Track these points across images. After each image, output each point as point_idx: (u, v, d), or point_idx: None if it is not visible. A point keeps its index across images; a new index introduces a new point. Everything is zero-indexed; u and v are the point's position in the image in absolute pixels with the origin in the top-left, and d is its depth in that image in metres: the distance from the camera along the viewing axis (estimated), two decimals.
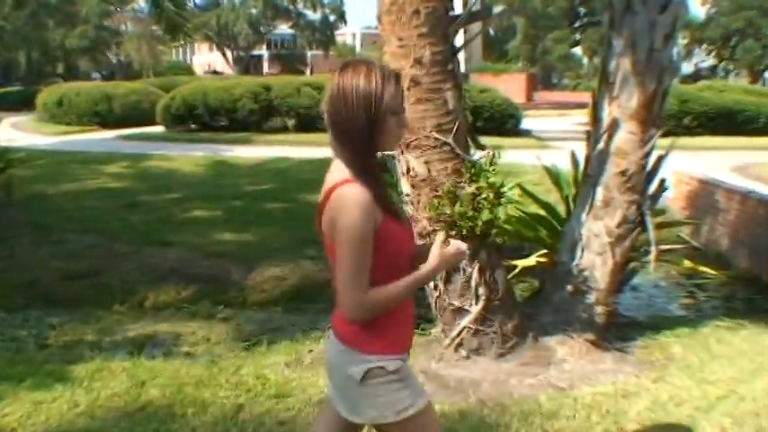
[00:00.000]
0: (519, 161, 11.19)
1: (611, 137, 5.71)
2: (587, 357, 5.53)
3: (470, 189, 4.93)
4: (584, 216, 5.80)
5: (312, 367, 5.35)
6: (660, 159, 6.01)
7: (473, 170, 5.00)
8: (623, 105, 5.66)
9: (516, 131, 24.64)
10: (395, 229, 2.50)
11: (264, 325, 7.34)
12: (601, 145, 5.77)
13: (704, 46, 69.25)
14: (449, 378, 5.16)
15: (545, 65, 56.03)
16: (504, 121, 24.27)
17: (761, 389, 5.07)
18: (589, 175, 5.89)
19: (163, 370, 5.33)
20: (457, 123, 5.02)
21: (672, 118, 24.89)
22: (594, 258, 5.73)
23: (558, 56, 53.55)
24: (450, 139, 4.97)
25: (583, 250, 5.77)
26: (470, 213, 4.89)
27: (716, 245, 10.12)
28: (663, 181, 6.14)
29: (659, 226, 6.32)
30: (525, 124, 25.81)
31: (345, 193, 2.38)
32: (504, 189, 5.13)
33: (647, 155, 5.78)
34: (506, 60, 49.24)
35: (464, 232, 4.91)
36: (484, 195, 4.92)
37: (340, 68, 2.44)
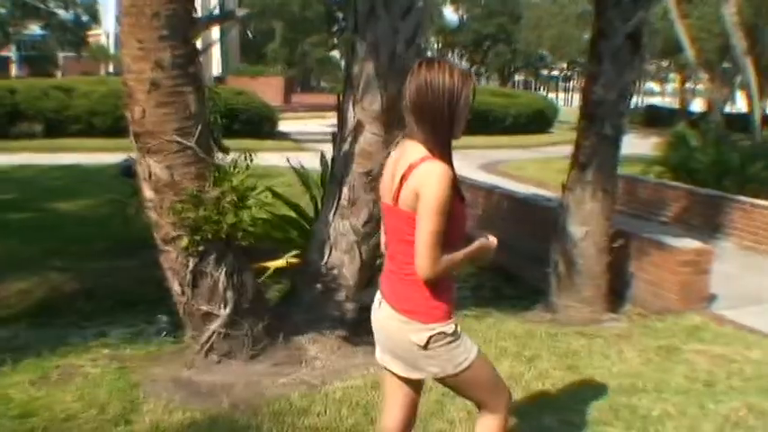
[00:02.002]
0: (274, 164, 11.23)
1: (355, 138, 5.84)
2: (339, 353, 5.64)
3: (214, 193, 4.88)
4: (331, 216, 5.91)
5: (59, 384, 5.10)
6: None
7: (217, 174, 4.96)
8: (367, 108, 5.80)
9: (273, 134, 24.74)
10: (459, 207, 2.88)
11: (9, 343, 6.90)
12: (346, 146, 5.89)
13: (457, 50, 72.21)
14: (201, 384, 5.09)
15: (304, 68, 56.39)
16: (260, 124, 24.33)
17: (504, 373, 5.33)
18: (335, 176, 6.00)
19: None
20: (199, 127, 4.93)
21: None
22: (343, 256, 5.86)
23: (317, 59, 54.07)
24: (192, 143, 4.87)
25: (331, 249, 5.88)
26: (215, 217, 4.85)
27: None
28: None
29: None
30: (283, 127, 25.91)
31: (432, 168, 2.76)
32: (250, 192, 5.12)
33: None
34: (265, 63, 49.08)
35: (209, 236, 4.87)
36: (228, 199, 4.89)
37: (425, 64, 2.84)
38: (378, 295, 3.10)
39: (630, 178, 13.84)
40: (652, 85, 62.72)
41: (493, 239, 3.07)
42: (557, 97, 64.29)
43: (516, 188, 13.23)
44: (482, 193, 10.36)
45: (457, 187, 2.83)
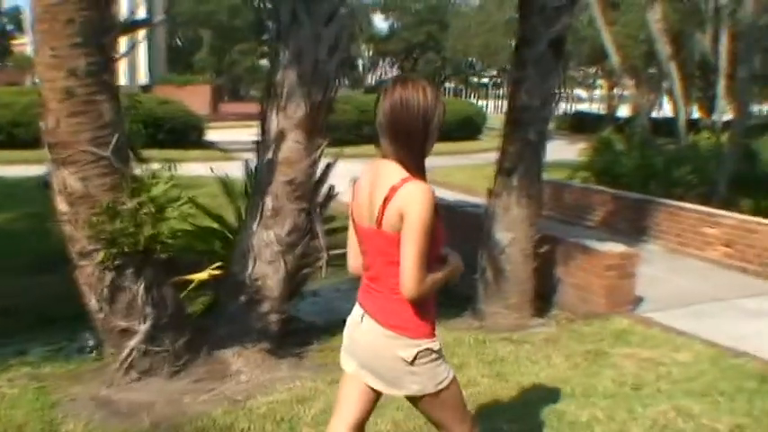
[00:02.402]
0: (201, 174, 11.06)
1: (278, 147, 5.75)
2: (263, 367, 5.53)
3: (131, 204, 4.74)
4: (254, 226, 5.80)
5: None
6: (328, 167, 6.16)
7: (134, 185, 4.82)
8: (290, 116, 5.72)
9: (200, 144, 24.34)
10: (438, 227, 2.88)
11: None
12: (269, 155, 5.80)
13: (388, 59, 72.47)
14: (121, 403, 4.94)
15: (232, 76, 55.92)
16: (186, 134, 23.91)
17: None
18: (259, 185, 5.90)
19: None
20: (116, 136, 4.78)
21: (352, 128, 25.75)
22: (266, 267, 5.76)
23: (246, 68, 53.64)
24: (107, 153, 4.72)
25: (255, 260, 5.77)
26: (132, 230, 4.71)
27: None
28: (331, 188, 6.29)
29: (331, 231, 6.47)
30: (210, 136, 25.55)
31: (415, 189, 2.76)
32: (172, 203, 5.00)
33: (315, 163, 5.90)
34: (193, 72, 48.48)
35: (126, 249, 4.73)
36: (145, 210, 4.76)
37: (399, 82, 2.85)
38: (358, 310, 3.07)
39: (557, 183, 13.97)
40: (580, 92, 63.59)
41: (459, 258, 3.09)
42: (487, 104, 64.81)
43: (444, 195, 13.24)
44: None
45: (437, 206, 2.83)
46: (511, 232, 7.17)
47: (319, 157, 5.88)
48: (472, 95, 73.35)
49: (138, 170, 5.09)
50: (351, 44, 63.56)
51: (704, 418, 4.93)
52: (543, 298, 7.68)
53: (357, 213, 3.01)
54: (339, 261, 6.97)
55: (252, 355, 5.58)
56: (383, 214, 2.81)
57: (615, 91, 47.38)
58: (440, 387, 2.98)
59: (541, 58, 6.96)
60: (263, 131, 5.93)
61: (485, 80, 76.29)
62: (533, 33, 6.97)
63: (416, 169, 2.82)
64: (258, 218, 5.78)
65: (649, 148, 14.98)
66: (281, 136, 5.74)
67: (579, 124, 43.05)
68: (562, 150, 19.71)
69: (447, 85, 71.52)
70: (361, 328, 3.03)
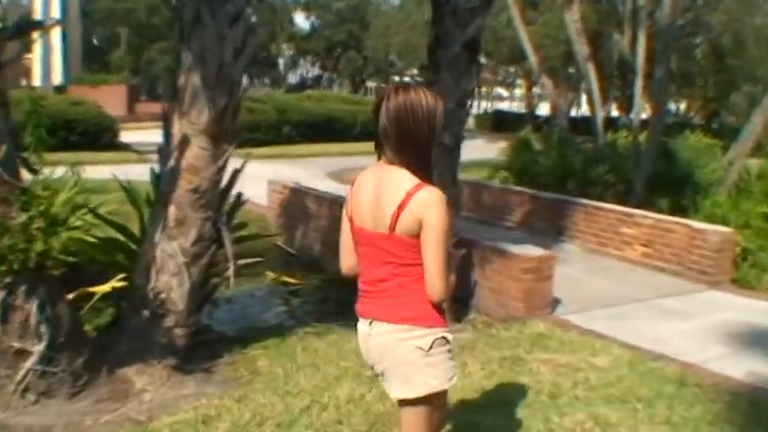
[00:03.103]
0: (111, 177, 10.69)
1: (182, 153, 5.51)
2: (168, 384, 5.29)
3: (22, 219, 4.47)
4: (158, 236, 5.54)
5: None
6: (235, 174, 5.95)
7: (24, 197, 4.54)
8: (194, 121, 5.49)
9: (114, 145, 23.70)
10: None
11: None
12: (172, 161, 5.54)
13: (309, 57, 72.16)
14: (18, 427, 4.65)
15: (150, 76, 54.96)
16: (99, 135, 23.31)
17: (344, 396, 5.19)
18: (162, 193, 5.65)
19: None
20: (3, 147, 4.51)
21: (271, 128, 25.48)
22: (171, 280, 5.51)
23: (164, 66, 52.77)
24: None
25: (158, 272, 5.51)
26: (22, 245, 4.43)
27: (309, 250, 10.37)
28: (239, 195, 6.09)
29: (239, 240, 6.27)
30: (125, 137, 24.96)
31: (432, 196, 2.85)
32: (74, 213, 4.74)
33: (221, 170, 5.67)
34: (109, 71, 47.46)
35: (16, 266, 4.45)
36: (36, 225, 4.48)
37: (402, 89, 2.90)
38: (363, 323, 3.09)
39: (476, 184, 13.95)
40: (501, 91, 64.24)
41: None
42: None
43: None
44: (326, 204, 10.14)
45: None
46: None
47: (225, 163, 5.65)
48: None
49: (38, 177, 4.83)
50: (271, 42, 63.20)
51: (622, 427, 4.86)
52: (461, 302, 7.58)
53: (357, 217, 3.04)
54: (251, 269, 6.83)
55: (156, 372, 5.33)
56: (397, 220, 2.86)
57: (534, 90, 47.99)
58: (449, 384, 3.04)
59: (456, 60, 6.84)
60: (167, 137, 5.67)
61: (406, 78, 76.53)
62: (447, 35, 6.85)
63: (426, 174, 2.92)
64: (161, 228, 5.53)
65: (567, 148, 15.06)
66: (184, 142, 5.50)
67: (499, 123, 43.58)
68: (483, 149, 19.80)
69: (368, 83, 71.55)
70: (372, 337, 3.04)
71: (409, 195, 2.83)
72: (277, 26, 62.51)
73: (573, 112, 33.27)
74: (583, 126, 21.54)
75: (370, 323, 3.03)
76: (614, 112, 30.74)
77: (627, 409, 5.14)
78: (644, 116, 17.74)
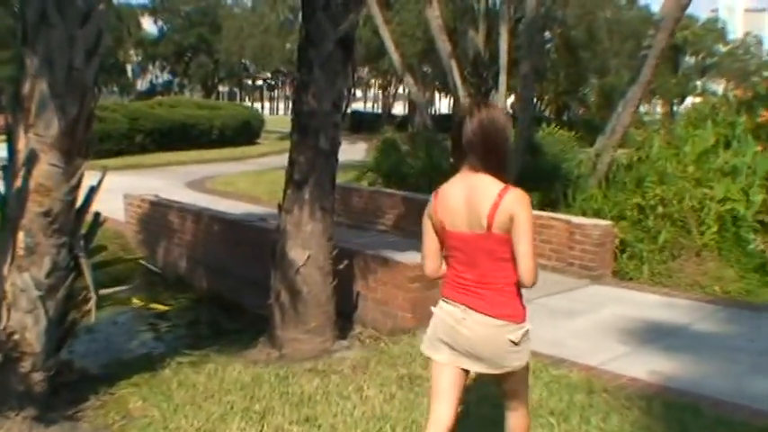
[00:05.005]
0: None
1: (29, 172, 4.80)
2: None
3: None
4: (6, 268, 4.81)
5: None
6: (92, 192, 5.30)
7: None
8: (42, 134, 4.79)
9: None
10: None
11: None
12: (19, 182, 4.83)
13: (158, 62, 70.41)
14: None
15: None
16: None
17: None
18: (8, 219, 4.91)
19: None
20: None
21: (123, 138, 24.53)
22: (24, 317, 4.79)
23: (7, 77, 50.12)
24: None
25: (9, 309, 4.80)
26: None
27: (175, 267, 9.73)
28: (97, 215, 5.45)
29: (100, 265, 5.62)
30: None
31: (519, 195, 3.23)
32: None
33: (75, 189, 5.00)
34: None
35: None
36: None
37: (481, 106, 3.34)
38: (455, 307, 3.41)
39: (345, 187, 13.54)
40: (356, 91, 64.34)
41: None
42: (262, 106, 63.99)
43: (229, 206, 12.51)
44: (190, 217, 9.50)
45: None
46: (306, 250, 6.54)
47: (80, 181, 4.98)
48: (247, 98, 72.51)
49: None
50: (118, 48, 61.17)
51: None
52: (345, 316, 7.14)
53: (449, 222, 3.37)
54: (123, 295, 6.19)
55: (15, 426, 4.64)
56: (493, 218, 3.21)
57: (390, 89, 48.17)
58: (528, 359, 3.48)
59: (329, 58, 6.38)
60: (11, 153, 4.95)
61: (259, 82, 75.80)
62: (319, 32, 6.38)
63: (508, 178, 3.30)
64: (10, 258, 4.80)
65: (434, 147, 14.85)
66: (32, 158, 4.79)
67: (357, 123, 43.50)
68: (345, 151, 19.41)
69: (220, 88, 70.50)
70: (466, 323, 3.37)
71: (500, 196, 3.21)
72: (124, 31, 60.51)
73: (429, 110, 33.50)
74: (441, 124, 21.47)
75: (464, 310, 3.38)
76: None
77: (541, 424, 4.78)
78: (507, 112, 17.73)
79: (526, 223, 3.22)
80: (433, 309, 3.59)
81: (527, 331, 3.40)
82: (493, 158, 3.27)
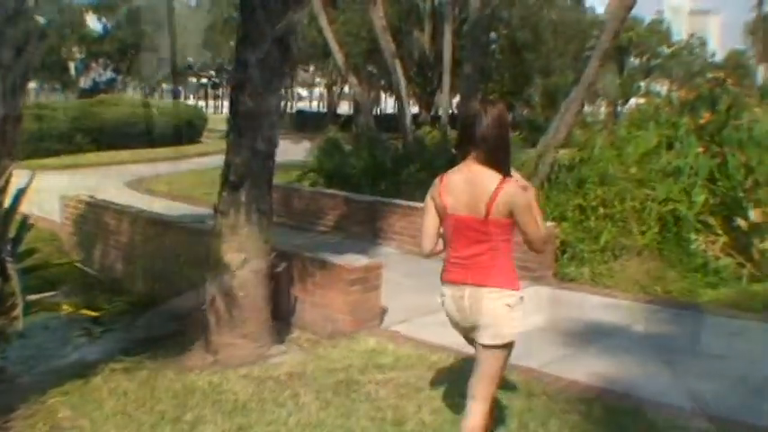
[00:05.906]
0: None
1: None
2: None
3: None
4: None
5: None
6: (20, 194, 5.14)
7: None
8: None
9: None
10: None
11: None
12: None
13: (102, 60, 69.31)
14: None
15: None
16: None
17: None
18: None
19: None
20: None
21: (63, 137, 24.11)
22: None
23: None
24: None
25: None
26: None
27: (111, 270, 9.53)
28: (26, 218, 5.29)
29: (29, 270, 5.45)
30: None
31: (515, 186, 3.69)
32: None
33: (2, 191, 4.86)
34: None
35: None
36: None
37: (491, 104, 3.85)
38: (455, 287, 3.83)
39: (286, 188, 13.44)
40: (300, 90, 64.05)
41: None
42: (207, 105, 63.44)
43: (167, 207, 12.32)
44: (127, 219, 9.32)
45: None
46: (242, 253, 6.41)
47: (7, 183, 4.83)
48: (191, 97, 71.85)
49: None
50: (61, 45, 60.13)
51: None
52: (282, 320, 7.02)
53: (452, 206, 3.77)
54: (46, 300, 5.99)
55: None
56: (492, 207, 3.64)
57: (334, 89, 48.04)
58: (519, 329, 3.80)
59: (267, 58, 6.27)
60: None
61: (203, 80, 75.12)
62: (257, 31, 6.26)
63: (508, 170, 3.71)
64: None
65: (377, 147, 14.80)
66: None
67: (301, 123, 43.33)
68: (288, 151, 19.23)
69: (164, 86, 69.73)
70: (467, 298, 3.79)
71: (499, 188, 3.62)
72: (66, 28, 59.53)
73: (373, 111, 33.51)
74: (385, 123, 21.48)
75: (463, 287, 3.79)
76: (414, 109, 31.08)
77: None
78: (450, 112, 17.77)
79: (526, 207, 3.68)
80: (438, 300, 3.96)
81: (521, 298, 3.78)
82: (501, 152, 3.71)
